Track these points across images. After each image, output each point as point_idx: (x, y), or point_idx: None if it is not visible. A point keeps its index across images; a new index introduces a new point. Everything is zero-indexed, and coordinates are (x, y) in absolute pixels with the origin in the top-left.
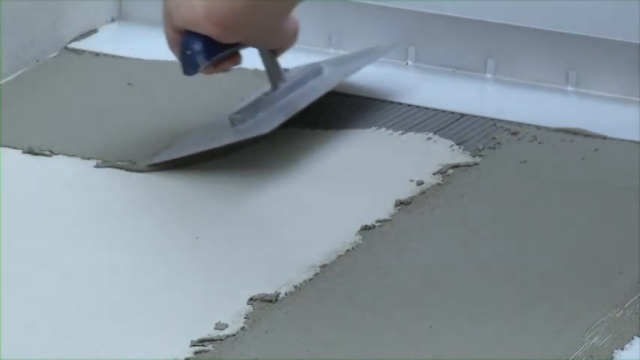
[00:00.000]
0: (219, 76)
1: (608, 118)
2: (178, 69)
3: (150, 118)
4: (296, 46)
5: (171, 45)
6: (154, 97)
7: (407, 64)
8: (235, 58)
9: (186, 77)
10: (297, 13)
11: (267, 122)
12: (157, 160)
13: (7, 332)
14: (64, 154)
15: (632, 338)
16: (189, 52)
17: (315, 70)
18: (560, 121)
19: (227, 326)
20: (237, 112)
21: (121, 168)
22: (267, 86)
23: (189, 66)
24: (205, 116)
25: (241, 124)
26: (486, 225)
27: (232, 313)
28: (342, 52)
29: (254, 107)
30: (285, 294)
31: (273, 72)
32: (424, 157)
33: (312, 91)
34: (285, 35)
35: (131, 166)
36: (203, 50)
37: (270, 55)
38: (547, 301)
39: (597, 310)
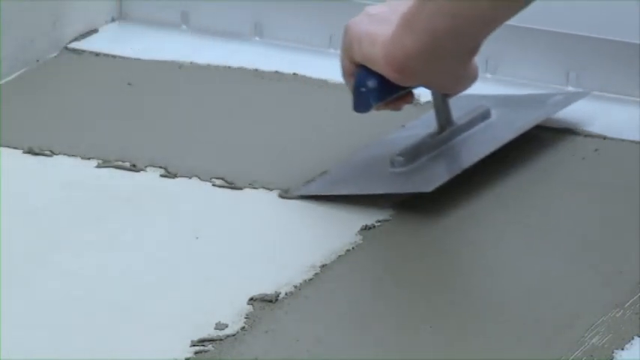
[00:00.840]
0: None
1: (608, 118)
2: (179, 70)
3: (150, 118)
4: None
5: (346, 74)
6: (155, 97)
7: None
8: (408, 97)
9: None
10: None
11: (430, 178)
12: (308, 192)
13: (7, 332)
14: (64, 154)
15: (632, 338)
16: (363, 90)
17: (482, 114)
18: (560, 122)
19: (227, 326)
20: (399, 154)
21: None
22: (427, 115)
23: (361, 104)
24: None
25: (401, 167)
26: (486, 225)
27: (232, 313)
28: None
29: (417, 150)
30: (285, 294)
31: (442, 114)
32: None
33: (479, 143)
34: (464, 82)
35: (283, 194)
36: (377, 90)
37: (442, 97)
38: (547, 300)
39: (597, 310)
